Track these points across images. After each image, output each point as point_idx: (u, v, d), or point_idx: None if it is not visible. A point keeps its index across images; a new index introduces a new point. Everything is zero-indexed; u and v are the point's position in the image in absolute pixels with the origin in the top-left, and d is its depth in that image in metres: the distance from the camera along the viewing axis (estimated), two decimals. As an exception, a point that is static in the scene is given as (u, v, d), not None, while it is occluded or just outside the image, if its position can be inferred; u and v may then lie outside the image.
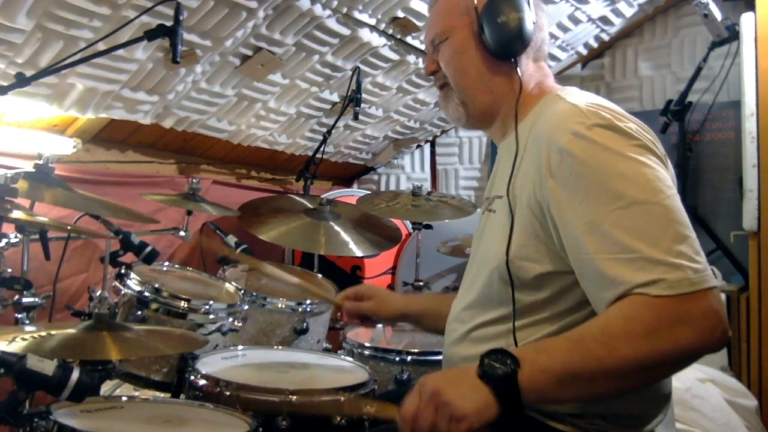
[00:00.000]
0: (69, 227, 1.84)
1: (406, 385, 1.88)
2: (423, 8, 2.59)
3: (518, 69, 1.30)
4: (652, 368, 1.00)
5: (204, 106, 2.65)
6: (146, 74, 2.31)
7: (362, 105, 2.89)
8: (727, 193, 3.08)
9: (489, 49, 1.29)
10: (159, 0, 1.86)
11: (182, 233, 2.42)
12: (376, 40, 2.70)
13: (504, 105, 1.33)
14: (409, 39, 2.79)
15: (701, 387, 2.11)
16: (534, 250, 1.16)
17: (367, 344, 2.01)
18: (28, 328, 1.42)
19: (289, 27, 2.40)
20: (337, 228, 2.63)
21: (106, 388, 1.96)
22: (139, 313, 1.83)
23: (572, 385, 1.00)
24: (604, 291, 1.04)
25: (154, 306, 1.82)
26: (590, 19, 3.16)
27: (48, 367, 1.09)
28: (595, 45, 3.45)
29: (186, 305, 1.85)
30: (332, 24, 2.49)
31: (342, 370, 1.71)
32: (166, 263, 2.20)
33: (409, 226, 3.40)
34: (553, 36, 3.14)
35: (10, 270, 1.72)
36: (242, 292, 2.10)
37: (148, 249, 1.92)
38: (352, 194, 3.59)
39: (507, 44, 1.28)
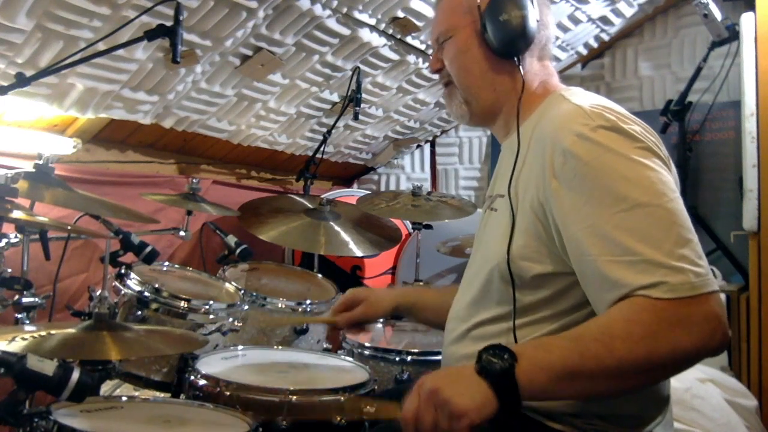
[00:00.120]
0: (69, 227, 1.84)
1: (406, 385, 1.88)
2: (423, 8, 2.59)
3: (521, 67, 1.29)
4: (651, 370, 1.00)
5: (204, 106, 2.65)
6: (146, 74, 2.31)
7: (362, 105, 2.89)
8: (727, 193, 3.08)
9: (492, 48, 1.29)
10: (159, 0, 1.86)
11: (182, 233, 2.42)
12: (376, 40, 2.69)
13: (507, 103, 1.33)
14: (409, 39, 2.79)
15: (701, 387, 2.11)
16: (535, 250, 1.16)
17: (367, 344, 2.01)
18: (28, 328, 1.42)
19: (289, 27, 2.40)
20: (337, 228, 2.62)
21: (106, 388, 1.96)
22: (139, 313, 1.83)
23: (570, 383, 1.00)
24: (606, 293, 1.04)
25: (154, 306, 1.82)
26: (590, 19, 3.16)
27: (48, 367, 1.09)
28: (595, 45, 3.45)
29: (186, 305, 1.85)
30: (332, 24, 2.49)
31: (342, 370, 1.71)
32: (166, 263, 2.20)
33: (409, 226, 3.40)
34: (553, 36, 3.14)
35: (10, 270, 1.72)
36: (242, 292, 2.10)
37: (148, 249, 1.92)
38: (352, 194, 3.59)
39: (509, 43, 1.28)
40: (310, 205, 2.71)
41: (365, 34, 2.63)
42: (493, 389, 0.99)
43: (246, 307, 2.04)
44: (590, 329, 1.03)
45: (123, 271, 1.88)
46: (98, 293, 1.83)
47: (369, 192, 3.53)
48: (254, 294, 2.13)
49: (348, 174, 4.12)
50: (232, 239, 2.42)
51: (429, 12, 2.62)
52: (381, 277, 3.59)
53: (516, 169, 1.23)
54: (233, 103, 2.74)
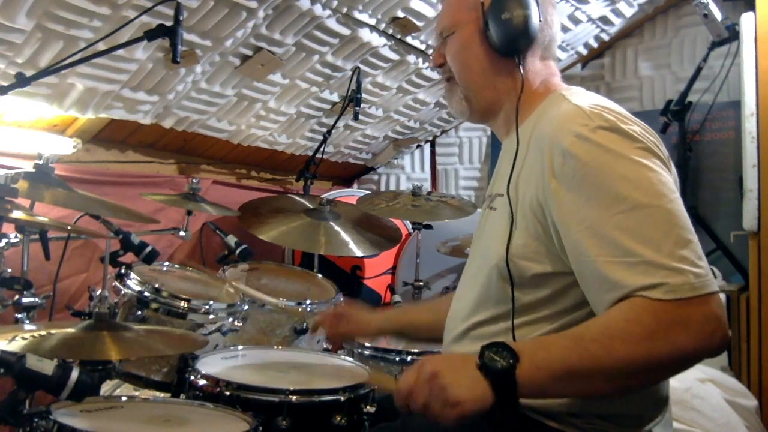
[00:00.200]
0: (69, 227, 1.84)
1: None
2: (423, 8, 2.59)
3: (521, 66, 1.29)
4: (650, 370, 1.00)
5: (204, 106, 2.65)
6: (146, 74, 2.31)
7: (362, 105, 2.89)
8: (727, 193, 3.08)
9: (493, 46, 1.29)
10: (159, 0, 1.86)
11: (182, 233, 2.43)
12: (376, 40, 2.69)
13: (507, 102, 1.33)
14: (409, 39, 2.79)
15: (701, 387, 2.11)
16: (534, 250, 1.16)
17: (367, 344, 2.01)
18: (28, 328, 1.42)
19: (289, 27, 2.40)
20: (337, 228, 2.62)
21: (106, 388, 1.96)
22: (139, 313, 1.83)
23: (569, 383, 1.01)
24: (605, 293, 1.04)
25: (154, 306, 1.82)
26: (590, 19, 3.16)
27: (48, 366, 1.09)
28: (595, 45, 3.45)
29: (186, 305, 1.85)
30: (332, 24, 2.49)
31: (342, 370, 1.71)
32: (166, 263, 2.20)
33: (409, 226, 3.40)
34: (553, 36, 3.14)
35: (10, 270, 1.72)
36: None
37: (148, 249, 1.92)
38: (352, 194, 3.59)
39: (511, 41, 1.27)
40: (310, 205, 2.71)
41: (365, 34, 2.63)
42: (491, 386, 0.99)
43: (246, 307, 2.04)
44: (590, 329, 1.03)
45: (123, 271, 1.89)
46: (98, 293, 1.84)
47: (369, 192, 3.53)
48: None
49: (348, 174, 4.12)
50: (232, 239, 2.42)
51: (429, 12, 2.62)
52: (381, 277, 3.59)
53: (515, 169, 1.23)
54: (233, 103, 2.74)
